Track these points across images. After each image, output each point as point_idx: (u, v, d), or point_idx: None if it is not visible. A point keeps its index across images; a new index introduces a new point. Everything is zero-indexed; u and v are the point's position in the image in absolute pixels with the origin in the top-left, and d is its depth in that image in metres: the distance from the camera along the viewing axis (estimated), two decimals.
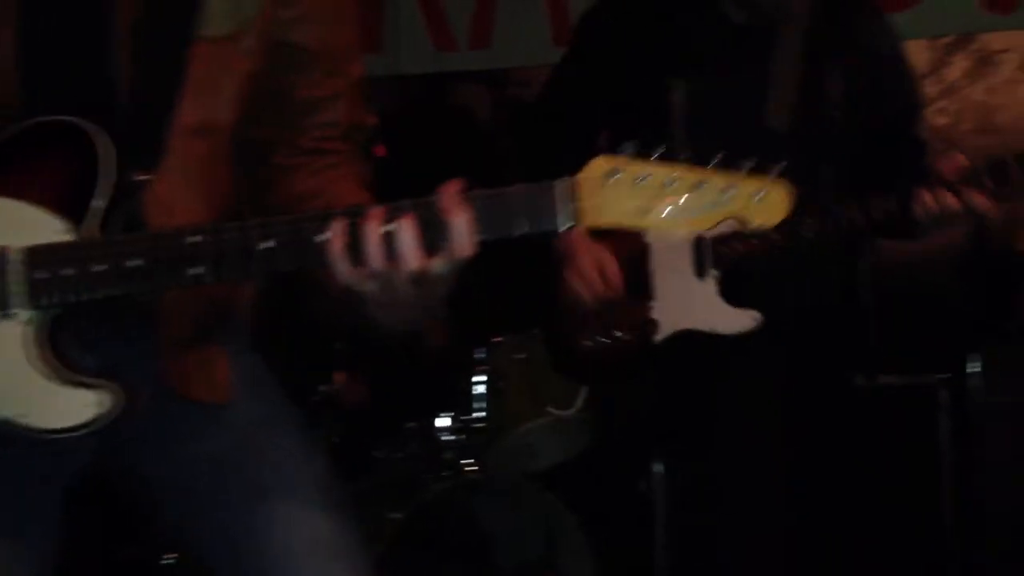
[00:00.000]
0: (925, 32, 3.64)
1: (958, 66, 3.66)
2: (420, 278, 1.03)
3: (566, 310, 1.76)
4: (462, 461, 2.46)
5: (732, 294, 1.66)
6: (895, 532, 3.02)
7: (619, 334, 1.71)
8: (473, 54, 3.80)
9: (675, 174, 1.01)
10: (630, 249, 1.71)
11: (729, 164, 1.00)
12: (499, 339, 2.60)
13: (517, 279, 1.86)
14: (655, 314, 1.69)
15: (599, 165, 1.01)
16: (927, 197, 1.50)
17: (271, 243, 1.03)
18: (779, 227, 1.58)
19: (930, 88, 3.66)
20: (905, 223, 1.55)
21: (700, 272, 1.66)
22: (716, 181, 1.00)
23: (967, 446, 3.03)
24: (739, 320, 1.65)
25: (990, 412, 3.00)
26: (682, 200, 1.01)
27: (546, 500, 2.40)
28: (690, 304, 1.66)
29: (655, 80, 1.68)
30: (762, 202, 1.01)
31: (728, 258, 1.63)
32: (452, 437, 2.49)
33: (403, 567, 2.28)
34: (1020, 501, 2.94)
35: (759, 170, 1.00)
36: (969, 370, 3.02)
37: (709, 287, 1.66)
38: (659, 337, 1.69)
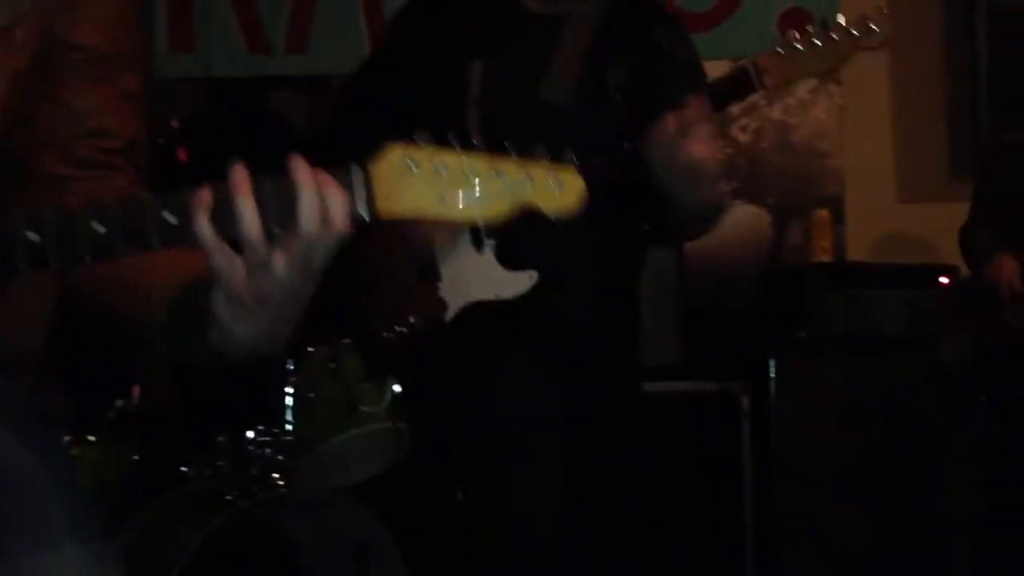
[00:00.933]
0: (727, 53, 3.82)
1: None
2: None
3: (368, 301, 1.77)
4: (271, 475, 2.40)
5: (509, 258, 1.71)
6: (697, 534, 3.14)
7: (412, 320, 1.72)
8: (288, 59, 3.73)
9: (472, 162, 1.00)
10: (416, 233, 1.73)
11: (525, 152, 1.00)
12: (310, 350, 2.55)
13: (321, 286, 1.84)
14: (442, 294, 1.72)
15: (395, 154, 0.98)
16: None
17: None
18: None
19: (732, 107, 3.84)
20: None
21: (478, 244, 1.70)
22: (512, 169, 1.01)
23: (766, 449, 3.18)
24: (519, 282, 1.70)
25: (785, 417, 3.16)
26: (479, 189, 1.01)
27: (358, 513, 2.37)
28: (472, 277, 1.70)
29: (455, 67, 1.74)
30: (558, 191, 1.02)
31: (502, 225, 1.68)
32: (261, 451, 2.42)
33: None
34: (811, 503, 3.10)
35: (555, 158, 1.02)
36: (770, 376, 3.18)
37: (488, 257, 1.70)
38: (448, 316, 1.71)
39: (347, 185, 0.97)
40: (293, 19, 3.77)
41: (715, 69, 3.73)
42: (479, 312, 1.70)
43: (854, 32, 1.69)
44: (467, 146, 0.98)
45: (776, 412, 3.21)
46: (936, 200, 3.59)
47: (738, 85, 1.65)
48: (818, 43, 1.65)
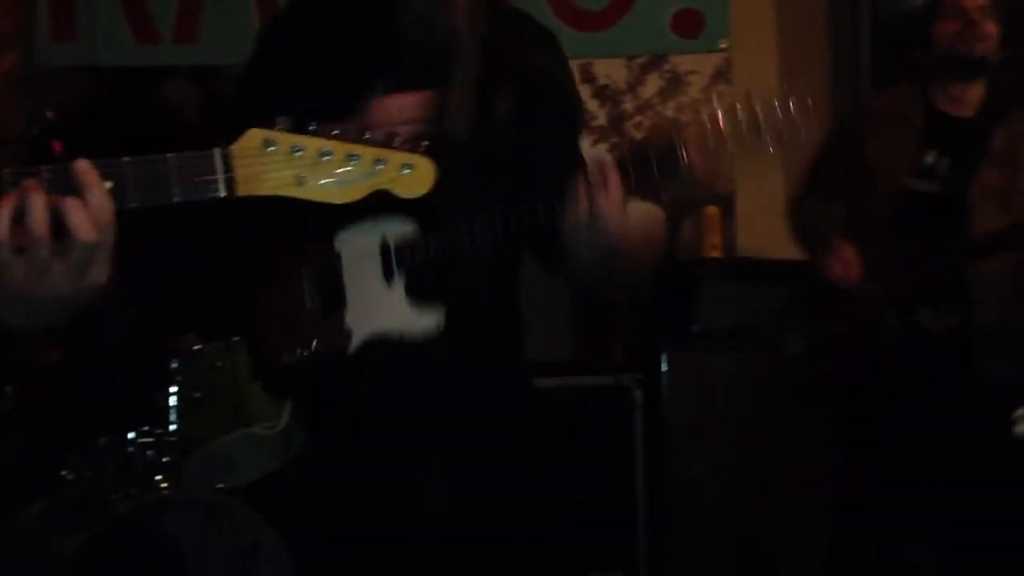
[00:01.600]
0: (622, 52, 3.87)
1: (652, 84, 3.90)
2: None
3: (267, 322, 1.72)
4: (155, 477, 2.35)
5: (418, 295, 1.69)
6: (593, 526, 3.19)
7: (313, 343, 1.69)
8: (177, 49, 3.65)
9: (329, 146, 1.07)
10: (322, 259, 1.70)
11: (380, 139, 1.04)
12: (198, 348, 2.50)
13: (218, 285, 1.80)
14: (348, 322, 1.69)
15: (254, 135, 1.05)
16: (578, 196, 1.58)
17: None
18: (455, 231, 1.65)
19: (628, 104, 3.89)
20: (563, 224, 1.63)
21: (388, 277, 1.69)
22: (368, 153, 1.05)
23: (659, 442, 3.23)
24: (426, 319, 1.68)
25: (676, 409, 3.22)
26: (336, 171, 1.07)
27: (246, 515, 2.33)
28: (380, 309, 1.67)
29: (342, 97, 1.69)
30: (410, 175, 1.07)
31: (412, 262, 1.67)
32: (144, 452, 2.37)
33: None
34: (704, 492, 3.17)
35: (409, 145, 1.04)
36: (662, 369, 3.24)
37: (397, 291, 1.68)
38: (352, 346, 1.68)
39: (209, 165, 1.03)
40: (182, 9, 3.69)
41: (614, 67, 3.84)
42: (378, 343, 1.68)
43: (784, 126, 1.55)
44: (325, 131, 1.03)
45: (668, 404, 3.27)
46: None
47: (666, 164, 1.58)
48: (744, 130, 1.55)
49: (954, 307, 2.50)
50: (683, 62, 3.88)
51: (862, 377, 2.61)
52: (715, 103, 1.57)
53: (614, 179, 1.56)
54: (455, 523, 1.76)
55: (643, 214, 1.74)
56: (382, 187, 1.05)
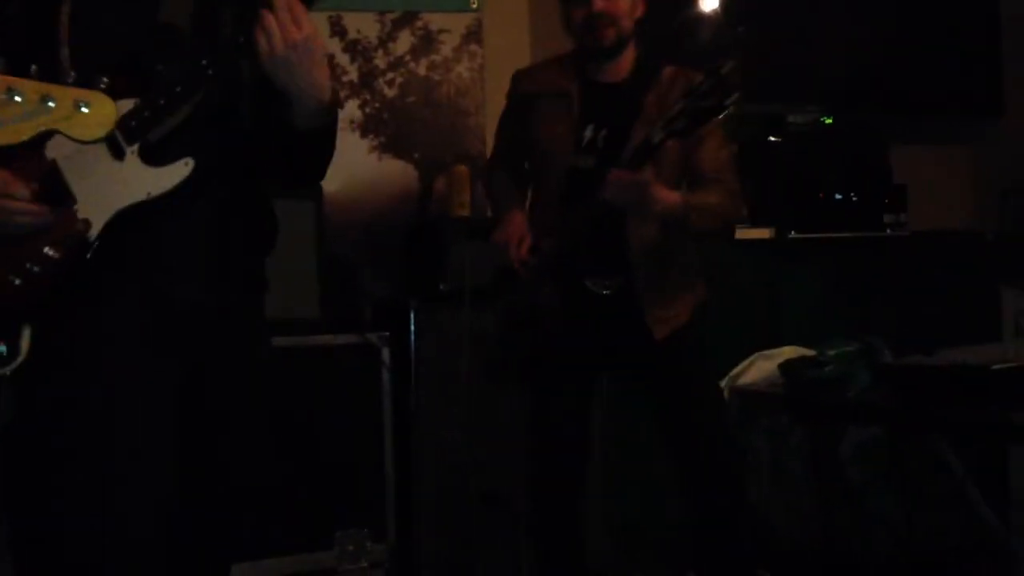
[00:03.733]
0: (373, 5, 3.83)
1: (404, 41, 3.88)
2: None
3: None
4: None
5: (160, 157, 1.64)
6: (341, 484, 3.18)
7: (50, 252, 1.59)
8: None
9: None
10: (38, 168, 1.60)
11: (49, 77, 0.95)
12: None
13: None
14: (82, 214, 1.61)
15: None
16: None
17: None
18: (169, 85, 1.62)
19: (380, 60, 3.86)
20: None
21: (118, 154, 1.62)
22: (31, 91, 0.96)
23: (406, 398, 3.26)
24: (173, 174, 1.64)
25: (422, 366, 3.25)
26: None
27: None
28: (118, 186, 1.62)
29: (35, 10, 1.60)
30: (86, 113, 0.98)
31: (135, 130, 1.62)
32: None
33: None
34: (445, 448, 3.22)
35: (85, 83, 0.97)
36: (410, 328, 3.25)
37: (132, 162, 1.62)
38: (94, 233, 1.60)
39: None
40: None
41: (365, 20, 3.77)
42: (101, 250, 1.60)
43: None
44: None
45: (416, 362, 3.29)
46: None
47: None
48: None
49: (614, 273, 2.58)
50: (435, 20, 3.88)
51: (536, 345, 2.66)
52: None
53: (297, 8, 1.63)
54: (199, 485, 1.71)
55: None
56: (53, 127, 0.96)
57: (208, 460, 1.75)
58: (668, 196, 2.53)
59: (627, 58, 2.64)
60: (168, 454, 1.67)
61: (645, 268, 2.59)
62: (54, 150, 1.60)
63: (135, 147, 1.63)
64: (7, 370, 1.63)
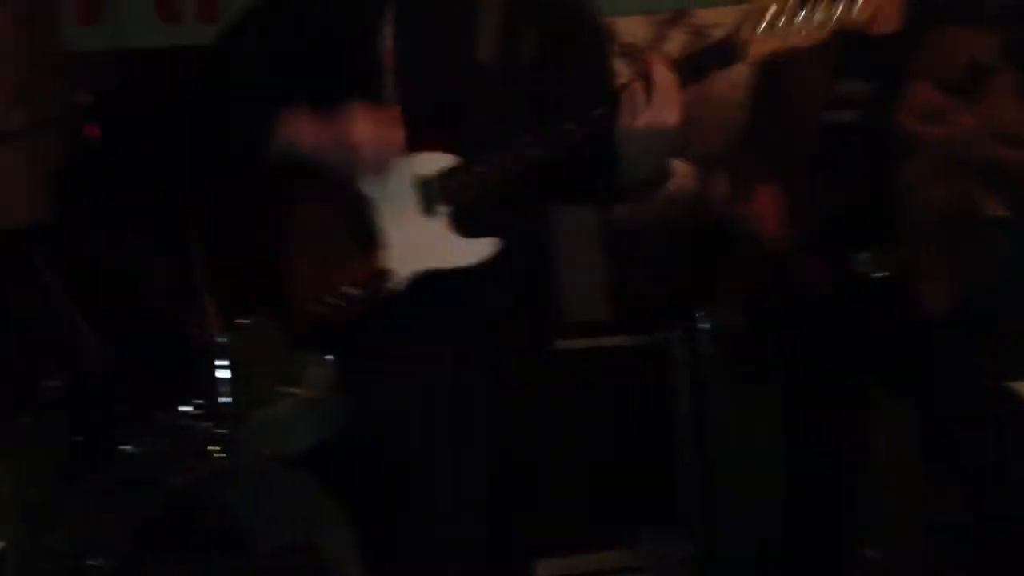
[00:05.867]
0: (643, 8, 3.85)
1: (676, 40, 3.87)
2: None
3: (295, 277, 1.71)
4: (210, 448, 2.38)
5: (464, 227, 1.66)
6: (645, 481, 3.20)
7: (351, 290, 1.68)
8: (200, 27, 3.65)
9: None
10: (347, 199, 1.69)
11: None
12: (243, 321, 2.52)
13: (246, 248, 1.80)
14: (388, 262, 1.67)
15: None
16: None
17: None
18: (500, 155, 1.65)
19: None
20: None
21: (428, 210, 1.67)
22: None
23: (700, 399, 3.24)
24: (476, 250, 1.65)
25: (717, 365, 3.22)
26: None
27: (301, 482, 2.36)
28: (423, 245, 1.65)
29: (358, 23, 1.68)
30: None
31: (454, 193, 1.66)
32: (198, 424, 2.40)
33: (154, 564, 2.18)
34: (747, 446, 3.17)
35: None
36: (699, 326, 3.23)
37: (439, 224, 1.66)
38: (396, 284, 1.68)
39: None
40: None
41: (636, 24, 3.81)
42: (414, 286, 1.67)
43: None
44: None
45: (710, 361, 3.27)
46: None
47: (722, 57, 1.62)
48: (802, 15, 1.59)
49: (891, 248, 2.20)
50: (706, 16, 3.85)
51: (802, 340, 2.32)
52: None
53: (670, 80, 1.57)
54: (504, 486, 1.78)
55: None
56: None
57: (513, 459, 1.81)
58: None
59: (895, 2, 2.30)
60: (480, 456, 1.74)
61: (932, 241, 2.18)
62: (369, 187, 1.67)
63: (447, 209, 1.65)
64: (312, 379, 1.74)
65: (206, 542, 2.24)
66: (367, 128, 1.62)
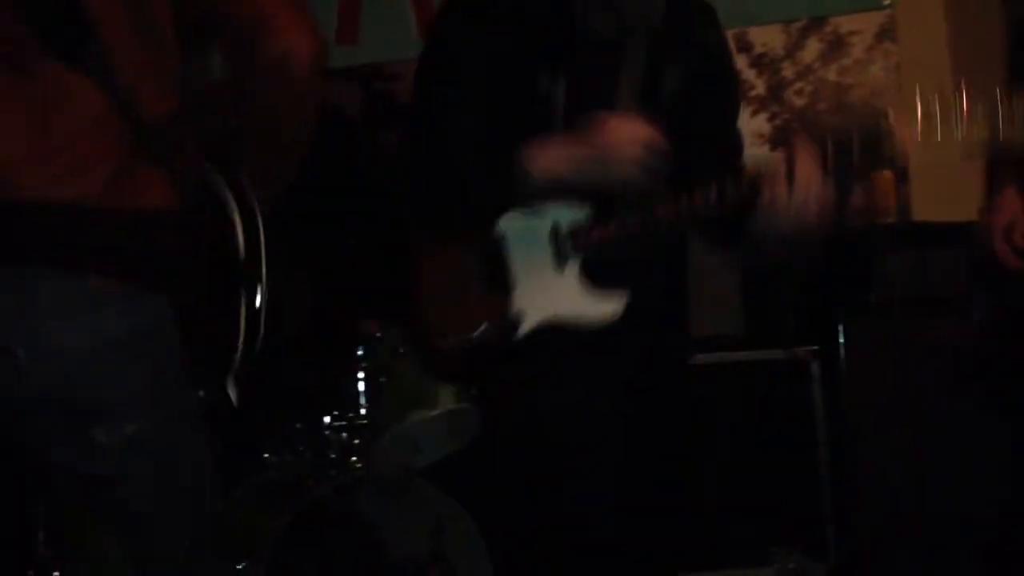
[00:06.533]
0: (779, 16, 3.78)
1: (812, 48, 3.79)
2: None
3: (431, 306, 1.74)
4: (349, 459, 2.44)
5: (593, 281, 1.67)
6: (779, 499, 3.14)
7: (483, 328, 1.69)
8: (340, 51, 3.77)
9: None
10: (486, 243, 1.71)
11: None
12: (379, 334, 2.58)
13: (385, 271, 1.85)
14: (518, 307, 1.68)
15: None
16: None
17: None
18: (633, 213, 1.63)
19: (787, 71, 3.80)
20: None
21: (560, 261, 1.67)
22: None
23: (839, 416, 3.15)
24: (605, 306, 1.66)
25: (857, 381, 3.13)
26: None
27: (434, 493, 2.40)
28: (553, 294, 1.65)
29: (530, 86, 1.68)
30: None
31: (586, 246, 1.65)
32: (337, 436, 2.47)
33: (292, 570, 2.25)
34: (886, 465, 3.07)
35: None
36: (839, 341, 3.15)
37: (570, 276, 1.66)
38: (525, 329, 1.68)
39: None
40: (342, 12, 3.81)
41: (771, 32, 3.75)
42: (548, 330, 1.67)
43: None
44: None
45: (847, 376, 3.18)
46: None
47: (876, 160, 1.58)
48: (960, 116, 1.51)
49: None
50: (844, 23, 3.76)
51: None
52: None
53: (813, 171, 1.52)
54: (634, 504, 1.77)
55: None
56: None
57: (648, 475, 1.80)
58: None
59: None
60: (617, 467, 1.73)
61: None
62: (507, 229, 1.68)
63: (575, 260, 1.64)
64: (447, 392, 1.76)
65: (339, 549, 2.30)
66: (623, 126, 1.63)
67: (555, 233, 1.66)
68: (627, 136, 1.62)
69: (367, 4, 3.83)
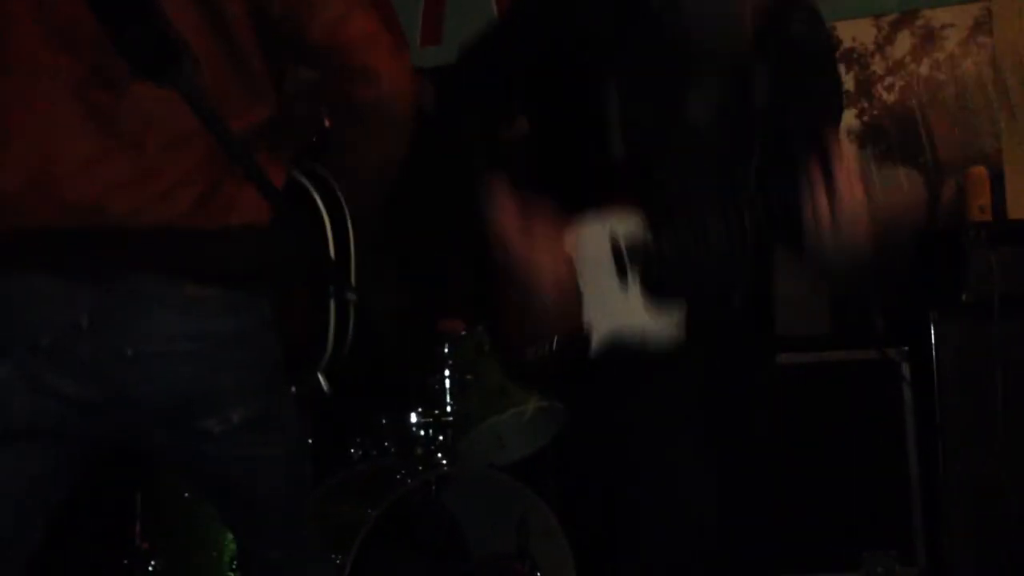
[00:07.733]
0: (870, 9, 3.70)
1: (903, 42, 3.71)
2: None
3: (510, 315, 1.75)
4: (435, 454, 2.47)
5: (655, 295, 1.64)
6: (868, 502, 3.09)
7: (561, 340, 1.67)
8: (425, 51, 3.81)
9: None
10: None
11: None
12: (463, 333, 2.61)
13: (470, 275, 1.86)
14: (587, 320, 1.64)
15: None
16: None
17: None
18: (687, 231, 1.60)
19: (877, 65, 3.72)
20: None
21: (622, 276, 1.64)
22: None
23: (931, 415, 3.08)
24: (665, 320, 1.63)
25: (948, 381, 3.06)
26: None
27: (518, 489, 2.42)
28: (618, 308, 1.63)
29: (582, 68, 1.67)
30: None
31: (645, 262, 1.63)
32: (423, 432, 2.50)
33: (379, 562, 2.29)
34: (979, 468, 3.00)
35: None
36: (931, 341, 3.08)
37: (633, 290, 1.63)
38: (592, 343, 1.66)
39: None
40: (427, 11, 3.85)
41: (862, 26, 3.68)
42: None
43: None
44: None
45: (939, 376, 3.11)
46: None
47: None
48: None
49: None
50: (937, 15, 3.67)
51: None
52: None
53: (854, 182, 1.51)
54: (722, 509, 1.75)
55: (895, 184, 1.66)
56: None
57: (737, 477, 1.78)
58: None
59: None
60: (709, 473, 1.72)
61: None
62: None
63: (635, 274, 1.61)
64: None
65: (424, 544, 2.33)
66: (549, 262, 1.62)
67: (615, 244, 1.64)
68: (548, 274, 1.59)
69: (451, 4, 3.86)
